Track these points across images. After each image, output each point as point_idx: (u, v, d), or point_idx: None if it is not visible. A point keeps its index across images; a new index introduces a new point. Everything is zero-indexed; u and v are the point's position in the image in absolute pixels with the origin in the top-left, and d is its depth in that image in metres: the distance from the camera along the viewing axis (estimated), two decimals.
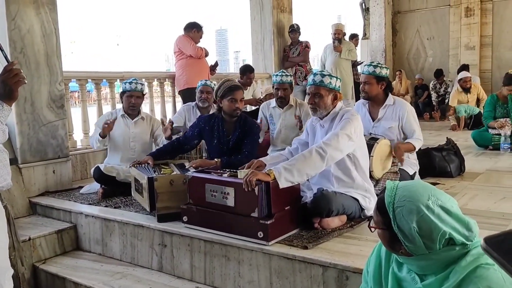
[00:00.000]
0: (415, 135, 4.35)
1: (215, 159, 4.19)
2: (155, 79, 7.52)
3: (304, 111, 5.25)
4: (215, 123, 4.41)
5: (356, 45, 10.72)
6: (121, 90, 5.14)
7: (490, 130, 6.78)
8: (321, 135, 3.56)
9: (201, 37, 7.37)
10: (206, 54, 7.35)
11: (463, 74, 9.58)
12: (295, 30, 8.98)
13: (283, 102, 5.29)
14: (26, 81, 2.49)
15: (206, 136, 4.46)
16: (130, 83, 5.00)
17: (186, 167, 4.14)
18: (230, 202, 3.24)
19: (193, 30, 7.27)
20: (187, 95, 6.91)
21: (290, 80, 5.28)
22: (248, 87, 7.78)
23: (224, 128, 4.38)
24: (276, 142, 5.31)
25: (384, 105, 4.45)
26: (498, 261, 0.80)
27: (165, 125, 4.94)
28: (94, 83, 6.58)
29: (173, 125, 5.44)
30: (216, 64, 7.82)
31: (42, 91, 5.09)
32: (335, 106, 3.57)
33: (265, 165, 3.49)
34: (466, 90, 9.42)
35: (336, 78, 3.57)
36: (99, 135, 4.86)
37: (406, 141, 4.34)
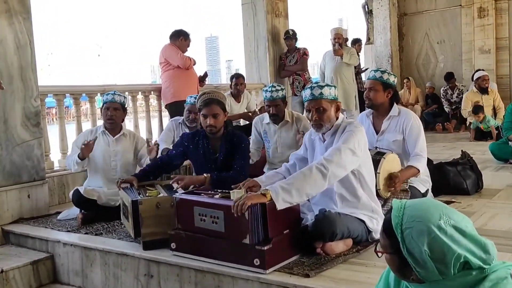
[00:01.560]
0: (416, 149, 4.29)
1: (204, 174, 4.16)
2: (140, 92, 7.53)
3: (302, 126, 5.23)
4: (199, 141, 4.40)
5: (359, 51, 10.75)
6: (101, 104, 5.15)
7: (510, 143, 6.78)
8: (321, 150, 3.55)
9: (188, 46, 7.41)
10: (194, 63, 7.38)
11: (481, 72, 9.65)
12: (290, 36, 9.02)
13: (276, 119, 5.28)
14: (3, 87, 2.49)
15: (191, 155, 4.44)
16: (108, 94, 5.02)
17: (174, 188, 4.11)
18: (220, 227, 3.22)
19: (180, 38, 7.30)
20: (175, 109, 6.92)
21: (282, 94, 5.23)
22: (241, 97, 7.80)
23: (209, 145, 4.37)
24: (273, 161, 5.31)
25: (388, 116, 4.44)
26: None
27: (150, 146, 4.88)
28: (73, 98, 6.58)
29: (161, 146, 5.46)
30: (205, 75, 7.85)
31: (15, 108, 5.08)
32: (337, 117, 3.57)
33: (260, 186, 3.48)
34: (483, 90, 9.47)
35: (334, 86, 3.59)
36: (78, 156, 4.82)
37: (407, 165, 4.27)
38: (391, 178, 4.06)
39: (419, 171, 4.24)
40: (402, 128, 4.37)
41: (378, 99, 4.40)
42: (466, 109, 9.56)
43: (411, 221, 1.58)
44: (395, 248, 1.63)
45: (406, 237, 1.59)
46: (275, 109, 5.20)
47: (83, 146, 4.77)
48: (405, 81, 12.31)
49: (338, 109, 3.57)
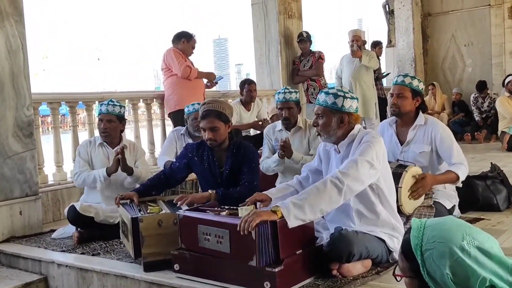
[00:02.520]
0: (453, 158, 4.27)
1: (209, 191, 4.17)
2: (141, 100, 7.57)
3: (313, 134, 5.24)
4: (204, 153, 4.40)
5: (379, 54, 10.75)
6: None
7: None
8: (337, 162, 3.56)
9: (193, 47, 7.41)
10: (197, 75, 7.35)
11: (511, 77, 9.70)
12: (304, 39, 9.02)
13: (289, 124, 5.29)
14: None
15: (196, 168, 4.45)
16: (102, 104, 5.05)
17: (177, 204, 4.12)
18: (225, 247, 3.23)
19: (182, 41, 7.31)
20: (179, 118, 6.94)
21: (296, 97, 5.26)
22: (252, 105, 7.80)
23: (215, 157, 4.37)
24: (285, 172, 5.30)
25: (414, 125, 4.44)
26: None
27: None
28: (69, 106, 6.62)
29: (162, 159, 5.46)
30: (219, 78, 7.89)
31: (7, 118, 5.12)
32: (351, 128, 3.55)
33: (271, 199, 3.48)
34: None
35: (352, 98, 3.52)
36: (106, 172, 4.83)
37: (446, 170, 4.28)
38: (417, 182, 4.08)
39: (458, 178, 4.21)
40: (431, 139, 4.36)
41: (406, 107, 4.39)
42: (507, 109, 9.58)
43: (432, 242, 1.58)
44: (415, 271, 1.63)
45: (426, 260, 1.59)
46: (288, 112, 5.21)
47: (118, 157, 4.76)
48: (430, 87, 12.26)
49: (342, 121, 3.50)
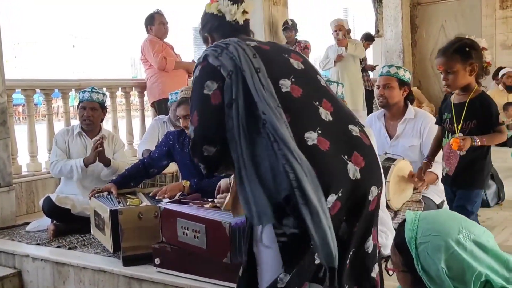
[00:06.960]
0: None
1: (183, 182, 4.20)
2: (119, 88, 7.50)
3: None
4: (185, 140, 4.40)
5: (366, 48, 10.78)
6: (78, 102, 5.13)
7: None
8: None
9: (163, 23, 7.17)
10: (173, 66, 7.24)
11: (508, 69, 9.72)
12: (289, 27, 8.99)
13: None
14: None
15: (177, 155, 4.45)
16: (84, 91, 5.02)
17: (155, 196, 4.12)
18: (201, 242, 3.24)
19: (148, 28, 7.11)
20: (163, 107, 6.87)
21: None
22: None
23: None
24: None
25: (403, 118, 4.45)
26: None
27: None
28: (44, 93, 6.55)
29: (142, 147, 5.43)
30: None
31: None
32: None
33: None
34: (509, 88, 9.53)
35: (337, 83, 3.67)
36: (83, 162, 4.80)
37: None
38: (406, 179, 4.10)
39: (438, 177, 4.26)
40: (420, 132, 4.38)
41: (394, 97, 4.41)
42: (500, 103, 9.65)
43: (427, 235, 1.59)
44: (409, 266, 1.64)
45: (421, 253, 1.59)
46: None
47: (99, 148, 4.73)
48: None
49: None
